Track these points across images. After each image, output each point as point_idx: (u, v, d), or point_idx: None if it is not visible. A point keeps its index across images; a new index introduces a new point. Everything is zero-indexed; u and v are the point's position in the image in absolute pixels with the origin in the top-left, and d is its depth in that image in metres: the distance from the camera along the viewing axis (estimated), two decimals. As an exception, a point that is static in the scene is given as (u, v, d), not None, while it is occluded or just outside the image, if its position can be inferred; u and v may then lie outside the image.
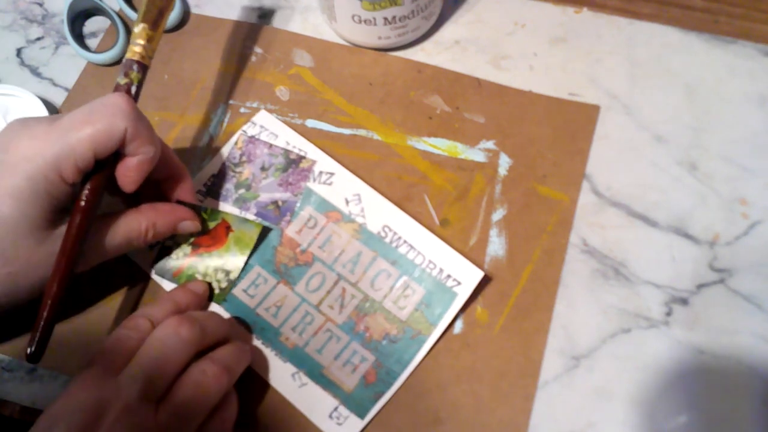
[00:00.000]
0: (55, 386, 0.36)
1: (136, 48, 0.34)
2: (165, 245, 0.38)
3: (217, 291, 0.37)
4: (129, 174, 0.32)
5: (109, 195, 0.35)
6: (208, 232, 0.38)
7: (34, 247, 0.31)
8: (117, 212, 0.34)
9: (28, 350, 0.30)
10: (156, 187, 0.36)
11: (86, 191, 0.31)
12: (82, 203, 0.31)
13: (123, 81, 0.34)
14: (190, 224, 0.36)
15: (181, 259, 0.38)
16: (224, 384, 0.31)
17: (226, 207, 0.39)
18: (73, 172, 0.31)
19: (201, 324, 0.32)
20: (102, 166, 0.32)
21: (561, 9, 0.44)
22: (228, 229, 0.38)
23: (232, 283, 0.37)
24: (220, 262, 0.38)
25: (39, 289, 0.31)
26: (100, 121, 0.30)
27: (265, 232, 0.38)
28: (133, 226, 0.34)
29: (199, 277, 0.38)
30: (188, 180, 0.37)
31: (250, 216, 0.39)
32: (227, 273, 0.38)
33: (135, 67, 0.34)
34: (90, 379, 0.29)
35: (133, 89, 0.34)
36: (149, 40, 0.34)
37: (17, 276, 0.31)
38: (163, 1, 0.35)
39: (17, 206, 0.30)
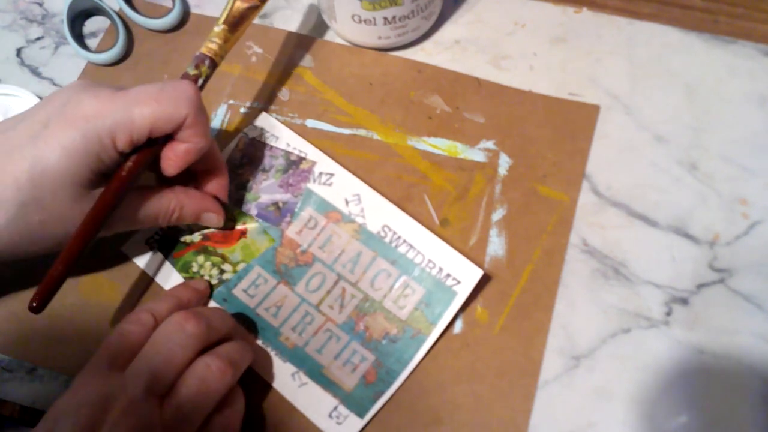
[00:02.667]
0: (55, 386, 0.36)
1: (212, 45, 0.35)
2: (180, 228, 0.39)
3: None
4: (174, 158, 0.33)
5: (149, 171, 0.36)
6: (223, 231, 0.39)
7: (70, 202, 0.31)
8: (152, 187, 0.35)
9: (32, 302, 0.30)
10: (192, 177, 0.37)
11: (130, 162, 0.32)
12: (124, 173, 0.32)
13: (193, 72, 0.35)
14: (214, 217, 0.37)
15: (186, 244, 0.39)
16: (228, 378, 0.31)
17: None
18: (126, 142, 0.31)
19: (206, 319, 0.32)
20: (152, 143, 0.33)
21: (561, 9, 0.44)
22: (243, 234, 0.38)
23: (222, 284, 0.38)
24: (220, 261, 0.38)
25: (63, 244, 0.31)
26: (165, 103, 0.31)
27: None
28: (163, 202, 0.35)
29: (195, 267, 0.38)
30: (225, 178, 0.37)
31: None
32: (222, 272, 0.38)
33: (207, 61, 0.35)
34: (95, 374, 0.30)
35: (200, 81, 0.35)
36: (225, 41, 0.36)
37: (48, 225, 0.31)
38: (247, 10, 0.36)
39: (66, 159, 0.30)
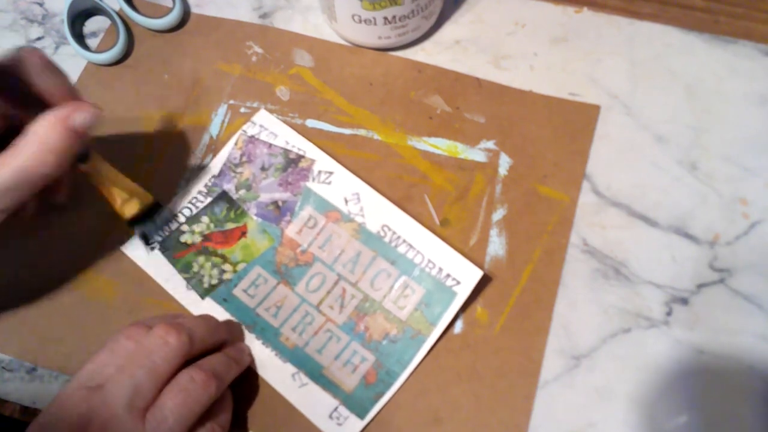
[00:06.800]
0: (56, 386, 0.36)
1: None
2: (181, 229, 0.39)
3: (206, 285, 0.38)
4: None
5: None
6: (224, 231, 0.39)
7: None
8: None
9: None
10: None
11: None
12: None
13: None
14: (83, 114, 0.31)
15: (187, 245, 0.39)
16: (212, 390, 0.31)
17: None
18: None
19: (189, 331, 0.32)
20: None
21: (561, 9, 0.44)
22: (243, 234, 0.38)
23: (224, 283, 0.38)
24: (220, 261, 0.38)
25: None
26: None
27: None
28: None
29: (195, 267, 0.38)
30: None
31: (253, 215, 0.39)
32: (222, 272, 0.38)
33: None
34: (76, 389, 0.30)
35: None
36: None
37: None
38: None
39: None
